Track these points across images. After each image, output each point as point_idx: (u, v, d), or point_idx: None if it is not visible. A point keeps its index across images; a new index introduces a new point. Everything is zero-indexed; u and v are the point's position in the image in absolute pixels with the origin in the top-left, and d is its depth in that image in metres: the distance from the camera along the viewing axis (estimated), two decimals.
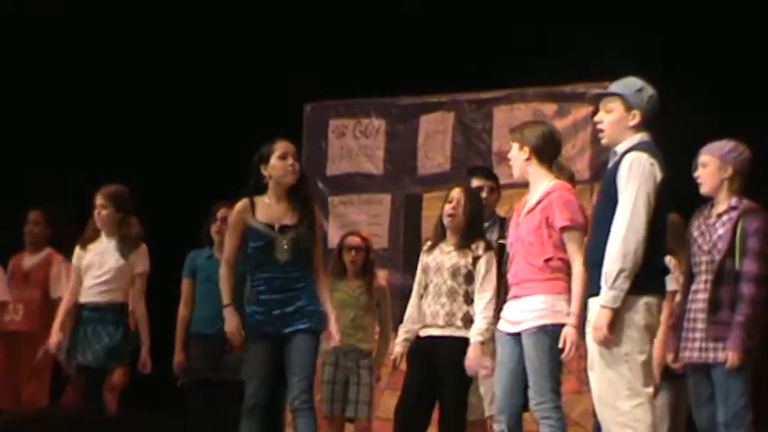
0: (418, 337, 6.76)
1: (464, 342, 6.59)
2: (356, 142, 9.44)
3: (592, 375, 5.47)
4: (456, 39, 8.80)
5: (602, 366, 5.40)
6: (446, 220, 6.75)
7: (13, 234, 8.17)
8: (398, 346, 6.84)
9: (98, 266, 7.22)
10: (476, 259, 6.66)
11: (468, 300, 6.65)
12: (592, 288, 5.49)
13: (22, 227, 8.17)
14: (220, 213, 7.66)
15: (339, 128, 9.49)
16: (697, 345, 6.04)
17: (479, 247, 6.69)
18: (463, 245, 6.69)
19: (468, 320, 6.63)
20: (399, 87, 9.11)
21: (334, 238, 8.71)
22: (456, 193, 6.76)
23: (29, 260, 8.16)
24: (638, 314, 5.35)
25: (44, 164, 9.14)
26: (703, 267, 6.07)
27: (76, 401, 7.22)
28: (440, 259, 6.71)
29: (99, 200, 7.28)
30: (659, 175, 5.38)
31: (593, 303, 5.44)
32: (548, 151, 5.98)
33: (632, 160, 5.39)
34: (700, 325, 6.03)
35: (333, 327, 6.39)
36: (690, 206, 6.29)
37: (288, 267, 6.37)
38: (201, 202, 7.87)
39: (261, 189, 6.47)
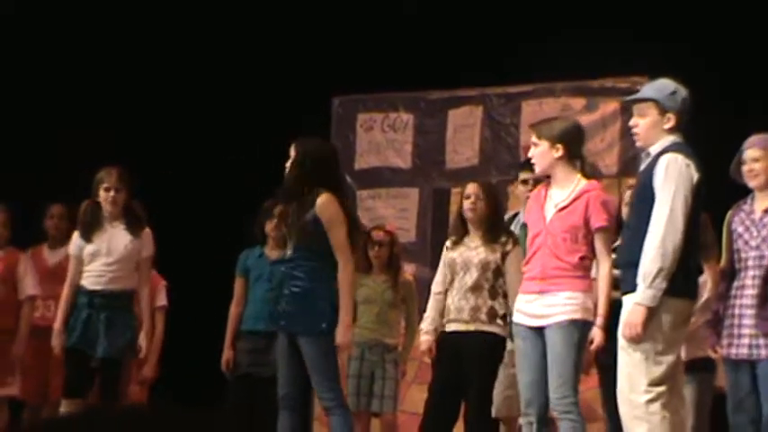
0: (443, 332, 6.75)
1: (490, 337, 6.58)
2: (384, 136, 9.43)
3: (618, 370, 5.50)
4: (485, 33, 8.78)
5: (626, 361, 5.43)
6: (468, 216, 6.71)
7: (29, 228, 7.94)
8: (425, 338, 6.70)
9: (107, 253, 7.05)
10: (504, 255, 6.63)
11: (494, 294, 6.61)
12: (625, 287, 5.51)
13: (37, 221, 7.92)
14: (277, 210, 7.59)
15: (367, 122, 9.49)
16: (745, 341, 5.93)
17: (508, 243, 6.65)
18: (490, 239, 6.66)
19: (492, 315, 6.61)
20: (428, 81, 9.10)
21: None
22: (472, 188, 6.73)
23: (52, 256, 7.95)
24: (668, 314, 5.38)
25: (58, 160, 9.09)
26: (750, 263, 5.96)
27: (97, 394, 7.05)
28: (467, 255, 6.66)
29: (112, 182, 7.06)
30: (695, 177, 5.42)
31: (628, 301, 5.45)
32: (578, 147, 6.00)
33: (669, 162, 5.41)
34: (747, 321, 5.92)
35: (340, 328, 6.21)
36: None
37: (289, 264, 6.36)
38: (230, 199, 7.84)
39: None
